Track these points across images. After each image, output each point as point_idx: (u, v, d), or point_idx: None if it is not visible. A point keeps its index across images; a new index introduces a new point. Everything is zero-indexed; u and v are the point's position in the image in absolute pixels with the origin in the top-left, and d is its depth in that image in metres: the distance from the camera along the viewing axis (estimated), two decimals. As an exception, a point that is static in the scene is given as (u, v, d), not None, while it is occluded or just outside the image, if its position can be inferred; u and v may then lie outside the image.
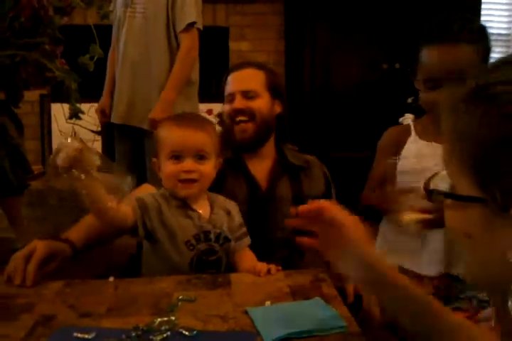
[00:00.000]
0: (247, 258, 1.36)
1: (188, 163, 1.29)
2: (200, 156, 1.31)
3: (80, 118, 0.89)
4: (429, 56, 1.25)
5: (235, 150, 1.62)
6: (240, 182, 1.59)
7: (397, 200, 1.27)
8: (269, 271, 1.25)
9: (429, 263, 1.37)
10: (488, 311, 1.35)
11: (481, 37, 1.22)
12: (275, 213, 1.55)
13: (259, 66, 1.68)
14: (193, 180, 1.30)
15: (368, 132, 2.45)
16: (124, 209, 1.23)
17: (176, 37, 2.51)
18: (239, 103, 1.59)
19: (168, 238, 1.28)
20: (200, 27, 2.52)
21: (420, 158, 1.34)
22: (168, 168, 1.30)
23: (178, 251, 1.28)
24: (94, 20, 0.97)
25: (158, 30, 2.50)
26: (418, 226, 1.24)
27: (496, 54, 1.28)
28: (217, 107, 3.90)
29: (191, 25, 2.47)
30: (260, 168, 1.63)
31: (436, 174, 0.64)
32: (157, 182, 1.41)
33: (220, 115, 1.69)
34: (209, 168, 1.33)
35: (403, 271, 1.42)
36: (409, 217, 1.24)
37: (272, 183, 1.61)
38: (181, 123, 1.33)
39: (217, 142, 1.37)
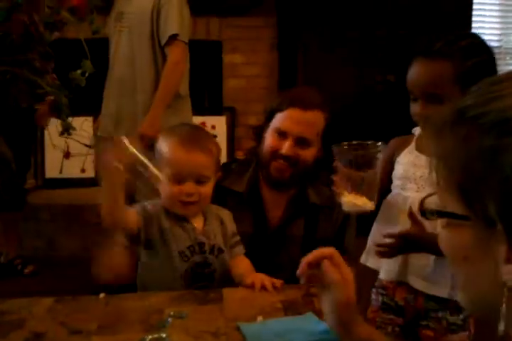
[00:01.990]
0: (243, 264, 1.36)
1: (189, 186, 1.29)
2: (201, 180, 1.31)
3: (70, 134, 0.89)
4: (410, 69, 1.28)
5: (251, 184, 1.56)
6: (248, 215, 1.53)
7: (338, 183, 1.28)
8: (264, 288, 1.23)
9: (387, 267, 1.37)
10: (460, 336, 1.35)
11: (466, 53, 1.23)
12: (281, 252, 1.52)
13: (323, 107, 1.52)
14: (194, 203, 1.31)
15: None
16: (131, 215, 1.25)
17: (162, 51, 2.50)
18: (289, 149, 1.48)
19: (163, 247, 1.29)
20: (185, 39, 2.49)
21: (409, 168, 1.35)
22: (168, 188, 1.30)
23: (173, 261, 1.28)
24: (86, 34, 0.97)
25: (143, 43, 2.49)
26: (355, 208, 1.25)
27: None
28: (210, 120, 3.93)
29: (174, 37, 2.45)
30: (277, 203, 1.57)
31: (430, 194, 0.65)
32: (145, 195, 1.41)
33: (257, 132, 1.60)
34: (209, 189, 1.33)
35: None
36: (347, 198, 1.25)
37: (285, 222, 1.56)
38: (184, 145, 1.30)
39: (218, 159, 1.37)
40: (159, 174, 1.21)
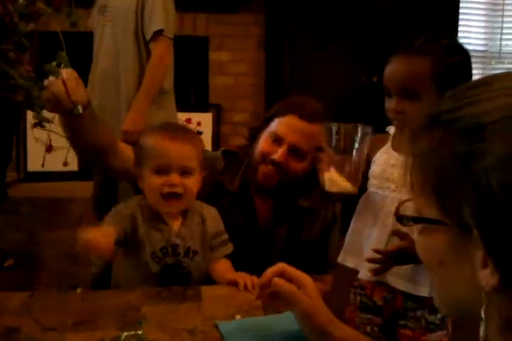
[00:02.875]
0: (223, 265, 1.35)
1: (173, 177, 1.27)
2: (186, 171, 1.29)
3: (43, 127, 0.87)
4: (388, 65, 1.28)
5: (242, 185, 1.54)
6: (239, 215, 1.52)
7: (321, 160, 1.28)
8: (245, 287, 1.23)
9: (366, 267, 1.37)
10: (438, 335, 1.35)
11: (444, 52, 1.23)
12: (267, 254, 1.51)
13: (324, 118, 1.43)
14: (177, 195, 1.27)
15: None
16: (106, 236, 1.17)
17: (147, 46, 2.47)
18: (281, 156, 1.44)
19: (136, 247, 1.27)
20: (170, 35, 2.47)
21: (386, 167, 1.35)
22: (152, 181, 1.28)
23: (144, 262, 1.27)
24: (65, 27, 0.96)
25: (127, 38, 2.47)
26: (337, 189, 1.25)
27: (473, 70, 1.30)
28: (195, 116, 3.91)
29: (159, 33, 2.43)
30: (265, 205, 1.55)
31: (405, 200, 0.65)
32: (127, 191, 1.40)
33: (253, 132, 1.56)
34: (193, 182, 1.31)
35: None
36: (330, 177, 1.25)
37: (272, 225, 1.55)
38: (168, 136, 1.29)
39: (201, 154, 1.35)
40: None
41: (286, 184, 1.49)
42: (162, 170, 1.27)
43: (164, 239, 1.29)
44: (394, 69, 1.26)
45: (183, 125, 1.51)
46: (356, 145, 1.25)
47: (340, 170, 1.25)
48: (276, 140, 1.45)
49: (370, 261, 1.28)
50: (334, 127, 1.24)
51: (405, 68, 1.24)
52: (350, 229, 1.43)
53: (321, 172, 1.27)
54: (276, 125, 1.47)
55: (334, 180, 1.24)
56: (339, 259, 1.43)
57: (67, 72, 1.22)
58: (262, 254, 1.49)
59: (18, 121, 3.11)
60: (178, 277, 1.29)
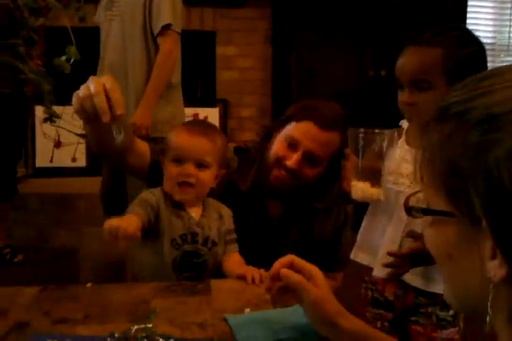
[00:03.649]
0: (234, 260, 1.36)
1: (188, 167, 1.31)
2: (201, 164, 1.32)
3: (54, 122, 0.87)
4: (400, 56, 1.27)
5: (254, 184, 1.52)
6: (250, 214, 1.52)
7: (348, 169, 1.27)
8: (253, 281, 1.23)
9: (380, 264, 1.37)
10: (450, 331, 1.35)
11: (457, 43, 1.23)
12: (277, 252, 1.51)
13: (342, 128, 1.42)
14: (190, 184, 1.31)
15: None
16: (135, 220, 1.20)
17: (155, 40, 2.48)
18: (295, 164, 1.41)
19: (157, 233, 1.30)
20: (178, 29, 2.49)
21: (401, 163, 1.35)
22: (169, 170, 1.33)
23: (163, 248, 1.29)
24: (74, 22, 0.95)
25: (135, 33, 2.48)
26: (363, 197, 1.26)
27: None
28: (203, 111, 3.91)
29: (167, 27, 2.44)
30: (278, 205, 1.54)
31: (415, 192, 0.65)
32: (136, 186, 1.40)
33: (267, 131, 1.54)
34: (208, 176, 1.33)
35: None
36: (356, 186, 1.25)
37: (283, 223, 1.54)
38: (190, 129, 1.35)
39: (222, 151, 1.37)
40: None
41: (298, 188, 1.48)
42: (179, 160, 1.32)
43: (185, 226, 1.32)
44: (405, 60, 1.26)
45: (210, 124, 1.50)
46: (383, 151, 1.24)
47: (365, 176, 1.25)
48: (292, 145, 1.42)
49: (387, 266, 1.28)
50: (361, 134, 1.24)
51: (417, 60, 1.23)
52: (362, 226, 1.43)
53: (346, 180, 1.26)
54: (292, 129, 1.44)
55: (360, 187, 1.24)
56: (351, 256, 1.43)
57: (109, 80, 1.11)
58: (273, 253, 1.48)
59: (27, 117, 3.11)
60: (194, 265, 1.31)
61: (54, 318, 1.02)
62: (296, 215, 1.54)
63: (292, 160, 1.41)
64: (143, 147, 1.45)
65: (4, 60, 0.70)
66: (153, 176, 1.42)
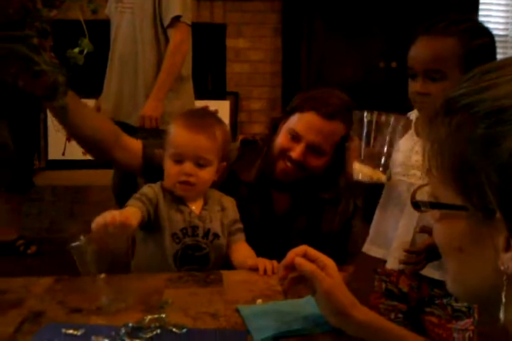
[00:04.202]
0: (244, 249, 1.36)
1: (188, 167, 1.30)
2: (201, 163, 1.31)
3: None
4: (413, 45, 1.26)
5: (260, 175, 1.52)
6: (256, 206, 1.51)
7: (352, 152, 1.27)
8: (265, 272, 1.23)
9: (395, 257, 1.36)
10: (465, 322, 1.34)
11: (471, 34, 1.22)
12: (284, 244, 1.51)
13: (346, 117, 1.40)
14: (190, 184, 1.31)
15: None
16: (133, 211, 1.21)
17: (165, 32, 2.49)
18: (299, 155, 1.41)
19: (158, 228, 1.30)
20: (188, 21, 2.49)
21: (411, 154, 1.34)
22: (169, 168, 1.32)
23: (164, 242, 1.29)
24: (87, 14, 0.96)
25: (145, 25, 2.48)
26: (366, 178, 1.24)
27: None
28: (213, 104, 3.90)
29: (177, 19, 2.44)
30: (284, 196, 1.54)
31: (422, 186, 0.64)
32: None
33: (275, 123, 1.53)
34: (208, 174, 1.33)
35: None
36: (359, 167, 1.24)
37: (290, 216, 1.54)
38: (189, 125, 1.32)
39: (222, 145, 1.35)
40: None
41: (304, 179, 1.48)
42: (178, 159, 1.31)
43: (185, 220, 1.32)
44: (419, 50, 1.25)
45: (212, 114, 1.46)
46: (388, 135, 1.23)
47: (369, 159, 1.24)
48: (295, 137, 1.42)
49: (404, 263, 1.28)
50: (366, 116, 1.23)
51: (431, 49, 1.22)
52: (375, 220, 1.42)
53: (349, 162, 1.26)
54: (295, 121, 1.44)
55: (363, 169, 1.24)
56: (364, 249, 1.42)
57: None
58: (280, 244, 1.48)
59: (40, 110, 3.13)
60: (196, 259, 1.31)
61: (68, 308, 1.03)
62: (303, 207, 1.54)
63: (296, 152, 1.42)
64: (134, 144, 1.44)
65: (18, 52, 0.71)
66: (149, 172, 1.42)
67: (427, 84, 1.22)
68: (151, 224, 1.29)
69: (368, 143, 1.24)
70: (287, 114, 1.48)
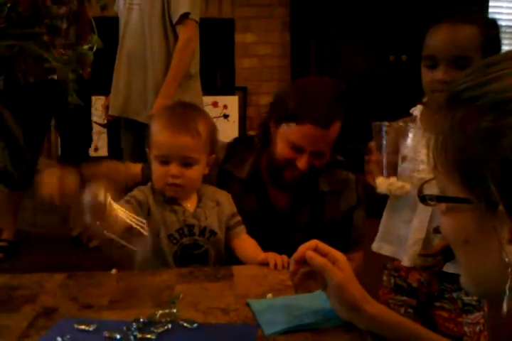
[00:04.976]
0: (249, 244, 1.36)
1: (174, 169, 1.28)
2: (187, 163, 1.29)
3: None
4: (431, 34, 1.25)
5: (253, 171, 1.53)
6: (252, 201, 1.51)
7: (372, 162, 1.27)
8: (275, 267, 1.23)
9: (406, 252, 1.35)
10: (475, 316, 1.34)
11: (488, 24, 1.22)
12: (285, 237, 1.50)
13: (341, 115, 1.42)
14: (179, 185, 1.29)
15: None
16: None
17: (173, 29, 2.49)
18: (304, 165, 1.41)
19: (152, 232, 1.27)
20: (196, 18, 2.49)
21: (418, 149, 1.33)
22: (155, 169, 1.31)
23: (161, 244, 1.29)
24: (96, 11, 0.97)
25: (154, 22, 2.49)
26: (390, 191, 1.25)
27: (504, 46, 1.28)
28: (222, 100, 3.91)
29: (185, 16, 2.44)
30: (281, 192, 1.54)
31: (428, 180, 0.64)
32: None
33: (264, 129, 1.52)
34: (196, 173, 1.32)
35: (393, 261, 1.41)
36: (381, 180, 1.24)
37: (291, 210, 1.54)
38: (170, 123, 1.30)
39: (208, 139, 1.33)
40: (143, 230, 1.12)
41: (308, 179, 1.49)
42: (163, 161, 1.29)
43: (179, 220, 1.31)
44: (443, 37, 1.23)
45: (193, 108, 1.43)
46: (407, 143, 1.23)
47: (391, 170, 1.24)
48: (298, 149, 1.42)
49: (423, 268, 1.28)
50: (384, 127, 1.22)
51: (456, 36, 1.21)
52: (383, 219, 1.41)
53: (371, 175, 1.25)
54: (294, 134, 1.41)
55: (385, 183, 1.23)
56: (374, 248, 1.42)
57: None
58: (277, 238, 1.48)
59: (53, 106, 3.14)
60: (195, 257, 1.31)
61: (81, 304, 1.04)
62: (304, 200, 1.54)
63: (302, 163, 1.41)
64: (133, 170, 1.49)
65: (29, 49, 0.72)
66: None
67: (451, 72, 1.20)
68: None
69: (389, 154, 1.23)
70: (279, 120, 1.44)
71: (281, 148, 1.44)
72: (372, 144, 1.26)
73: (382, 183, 1.24)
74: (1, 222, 3.20)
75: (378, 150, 1.25)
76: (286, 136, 1.43)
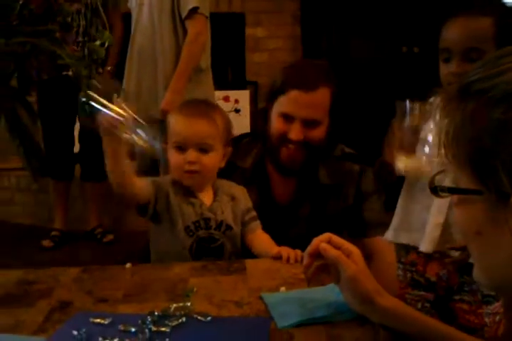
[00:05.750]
0: (263, 239, 1.37)
1: (191, 155, 1.30)
2: (204, 148, 1.31)
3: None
4: (447, 27, 1.26)
5: (256, 162, 1.54)
6: (253, 192, 1.49)
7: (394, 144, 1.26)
8: (288, 260, 1.24)
9: (425, 238, 1.34)
10: (495, 306, 1.33)
11: (504, 14, 1.21)
12: (288, 230, 1.51)
13: (327, 82, 1.44)
14: (196, 171, 1.31)
15: (387, 116, 2.42)
16: (141, 184, 1.27)
17: (183, 24, 2.50)
18: (298, 134, 1.42)
19: (169, 222, 1.31)
20: (205, 13, 2.49)
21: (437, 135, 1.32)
22: (172, 157, 1.33)
23: (178, 236, 1.31)
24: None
25: (164, 17, 2.50)
26: (411, 170, 1.24)
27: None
28: (233, 94, 3.91)
29: (194, 11, 2.45)
30: (285, 184, 1.54)
31: (440, 171, 0.64)
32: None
33: (263, 114, 1.53)
34: (213, 160, 1.33)
35: (410, 249, 1.40)
36: (402, 160, 1.23)
37: (293, 203, 1.54)
38: (186, 113, 1.34)
39: (224, 130, 1.36)
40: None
41: (311, 159, 1.49)
42: (180, 147, 1.31)
43: (197, 212, 1.32)
44: (457, 30, 1.24)
45: (209, 102, 1.50)
46: (431, 128, 1.22)
47: (412, 149, 1.23)
48: (288, 118, 1.43)
49: (452, 262, 1.28)
50: (408, 105, 1.21)
51: (469, 28, 1.22)
52: (400, 205, 1.41)
53: (392, 154, 1.25)
54: (282, 104, 1.44)
55: (409, 161, 1.22)
56: (390, 237, 1.41)
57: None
58: (279, 231, 1.46)
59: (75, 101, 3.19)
60: (211, 250, 1.32)
61: (96, 297, 1.06)
62: (306, 193, 1.54)
63: (294, 132, 1.42)
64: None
65: (42, 46, 0.72)
66: None
67: (465, 65, 1.21)
68: (160, 217, 1.31)
69: (413, 133, 1.22)
70: (271, 100, 1.49)
71: (274, 124, 1.46)
72: (394, 122, 1.25)
73: (402, 160, 1.23)
74: (52, 211, 3.31)
75: (400, 129, 1.25)
76: (277, 109, 1.46)
